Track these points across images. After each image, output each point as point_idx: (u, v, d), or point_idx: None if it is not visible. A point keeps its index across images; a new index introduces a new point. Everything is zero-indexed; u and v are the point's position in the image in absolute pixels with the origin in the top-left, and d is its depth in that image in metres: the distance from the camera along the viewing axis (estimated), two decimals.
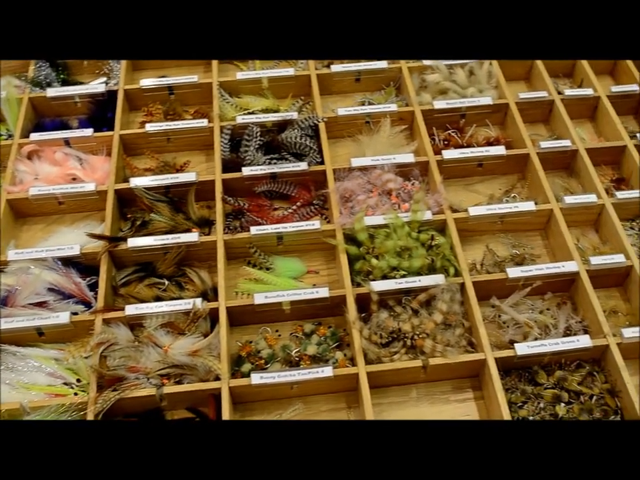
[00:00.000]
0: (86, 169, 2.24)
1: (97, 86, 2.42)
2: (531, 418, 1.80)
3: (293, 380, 1.77)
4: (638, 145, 2.29)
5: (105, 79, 2.52)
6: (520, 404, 1.82)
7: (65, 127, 2.35)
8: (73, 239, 2.07)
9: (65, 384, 1.85)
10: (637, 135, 2.32)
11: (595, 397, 1.83)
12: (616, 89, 2.46)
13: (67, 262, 1.99)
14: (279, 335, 1.98)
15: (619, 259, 2.01)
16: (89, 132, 2.27)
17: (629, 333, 1.87)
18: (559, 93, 2.44)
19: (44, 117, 2.41)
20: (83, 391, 1.82)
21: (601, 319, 1.89)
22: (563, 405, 1.81)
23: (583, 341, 1.85)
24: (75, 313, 1.91)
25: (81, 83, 2.50)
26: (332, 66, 2.47)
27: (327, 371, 1.77)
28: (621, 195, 2.16)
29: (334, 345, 1.91)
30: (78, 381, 1.85)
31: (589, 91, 2.44)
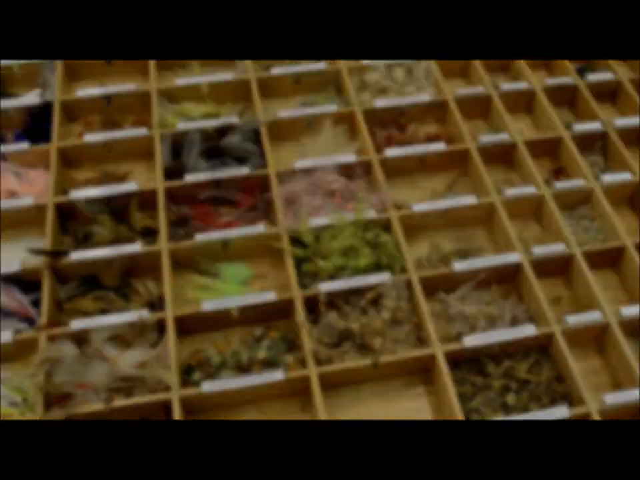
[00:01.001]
0: (24, 183, 2.19)
1: (31, 98, 2.37)
2: (481, 409, 1.82)
3: (244, 386, 1.77)
4: (574, 135, 2.34)
5: (40, 90, 2.46)
6: (470, 395, 1.85)
7: (0, 141, 2.29)
8: (13, 256, 2.02)
9: (11, 404, 1.81)
10: (572, 125, 2.37)
11: (542, 384, 1.87)
12: (550, 81, 2.51)
13: (8, 279, 1.94)
14: (229, 342, 1.96)
15: (559, 248, 2.06)
16: (25, 145, 2.22)
17: (573, 320, 1.92)
18: (496, 88, 2.48)
19: None
20: (30, 410, 1.78)
21: (545, 307, 1.93)
22: (512, 393, 1.85)
23: (528, 330, 1.89)
24: (19, 331, 1.87)
25: (15, 95, 2.44)
26: (271, 69, 2.47)
27: (277, 375, 1.77)
28: (560, 185, 2.21)
29: (284, 349, 1.91)
30: (24, 400, 1.80)
31: (524, 85, 2.49)
